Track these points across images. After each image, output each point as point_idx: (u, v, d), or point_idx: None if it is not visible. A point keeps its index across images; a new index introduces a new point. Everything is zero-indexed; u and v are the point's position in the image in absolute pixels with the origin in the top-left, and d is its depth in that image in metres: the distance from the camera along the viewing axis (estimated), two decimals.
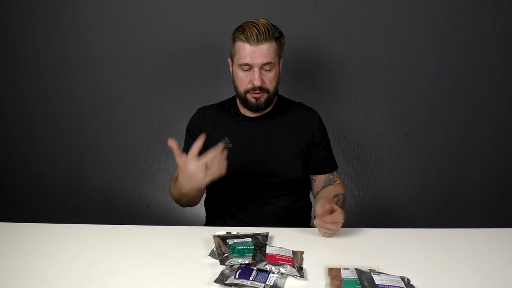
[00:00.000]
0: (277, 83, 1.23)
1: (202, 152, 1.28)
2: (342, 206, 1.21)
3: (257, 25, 1.14)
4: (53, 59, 1.76)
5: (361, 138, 1.80)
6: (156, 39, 1.72)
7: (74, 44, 1.74)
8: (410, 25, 1.66)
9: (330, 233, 1.03)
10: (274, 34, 1.16)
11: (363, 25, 1.67)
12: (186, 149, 1.32)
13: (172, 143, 1.00)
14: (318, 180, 1.29)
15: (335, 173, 1.31)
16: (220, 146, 1.01)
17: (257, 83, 1.16)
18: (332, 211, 1.02)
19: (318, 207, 1.02)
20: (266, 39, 1.14)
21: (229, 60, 1.27)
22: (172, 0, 1.68)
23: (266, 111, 1.26)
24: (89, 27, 1.72)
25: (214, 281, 0.82)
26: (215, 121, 1.28)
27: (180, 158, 1.02)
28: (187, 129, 1.32)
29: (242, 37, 1.14)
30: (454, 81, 1.72)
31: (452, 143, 1.79)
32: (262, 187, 1.24)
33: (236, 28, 1.19)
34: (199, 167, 0.99)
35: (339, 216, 1.01)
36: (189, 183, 1.04)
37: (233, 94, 1.28)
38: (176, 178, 1.21)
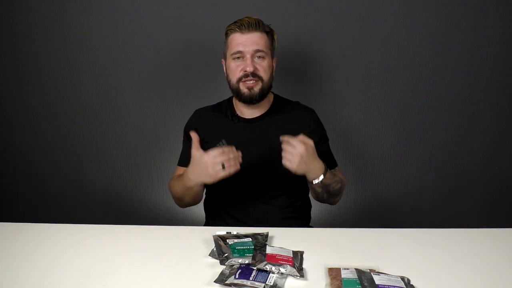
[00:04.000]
0: (271, 76, 1.24)
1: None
2: (336, 188, 1.19)
3: (249, 18, 1.20)
4: (53, 59, 1.76)
5: (361, 138, 1.80)
6: (157, 39, 1.72)
7: (74, 44, 1.74)
8: (410, 24, 1.66)
9: (290, 157, 1.07)
10: (265, 27, 1.21)
11: (363, 24, 1.67)
12: (184, 151, 1.33)
13: (194, 135, 1.10)
14: None
15: (337, 168, 1.32)
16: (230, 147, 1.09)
17: (250, 68, 1.17)
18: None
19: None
20: (257, 28, 1.19)
21: (222, 61, 1.28)
22: (172, 2, 1.68)
23: (263, 111, 1.26)
24: (89, 27, 1.72)
25: (214, 281, 0.82)
26: (212, 122, 1.28)
27: (197, 151, 1.08)
28: (184, 131, 1.32)
29: (234, 27, 1.19)
30: (454, 81, 1.72)
31: (452, 143, 1.79)
32: (260, 188, 1.23)
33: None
34: (216, 162, 1.06)
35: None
36: (199, 176, 1.10)
37: (231, 94, 1.28)
38: (179, 176, 1.22)
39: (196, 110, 1.34)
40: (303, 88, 1.74)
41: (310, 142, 1.09)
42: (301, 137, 1.08)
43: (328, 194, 1.20)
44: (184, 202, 1.26)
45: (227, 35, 1.23)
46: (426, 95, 1.74)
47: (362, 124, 1.79)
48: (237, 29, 1.18)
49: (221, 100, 1.37)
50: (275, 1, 1.66)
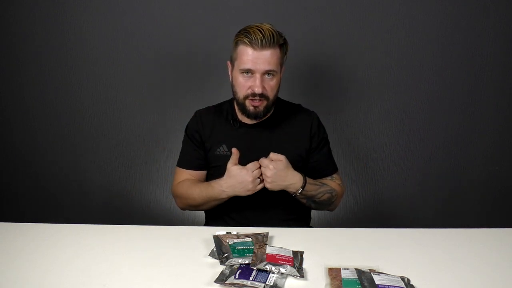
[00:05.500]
0: (277, 92, 1.21)
1: (200, 156, 1.28)
2: (324, 198, 1.21)
3: (262, 29, 1.11)
4: (53, 59, 1.76)
5: (361, 138, 1.80)
6: (157, 39, 1.72)
7: (74, 44, 1.74)
8: (410, 24, 1.66)
9: (264, 178, 1.10)
10: (279, 41, 1.14)
11: (363, 24, 1.67)
12: (184, 150, 1.32)
13: (235, 150, 1.13)
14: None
15: (335, 175, 1.30)
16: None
17: (258, 90, 1.13)
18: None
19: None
20: (270, 45, 1.11)
21: (228, 63, 1.24)
22: (172, 2, 1.68)
23: (264, 118, 1.25)
24: (89, 27, 1.72)
25: (214, 281, 0.82)
26: (213, 126, 1.27)
27: (234, 165, 1.10)
28: (185, 131, 1.31)
29: (246, 41, 1.11)
30: (454, 81, 1.72)
31: (452, 143, 1.79)
32: (261, 194, 1.22)
33: (239, 31, 1.16)
34: (255, 177, 1.09)
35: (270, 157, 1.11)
36: (236, 190, 1.11)
37: (231, 96, 1.27)
38: (195, 183, 1.23)
39: (197, 112, 1.32)
40: (303, 88, 1.74)
41: (280, 158, 1.11)
42: (272, 155, 1.11)
43: (315, 204, 1.22)
44: (200, 209, 1.27)
45: (237, 44, 1.15)
46: (426, 95, 1.74)
47: (362, 124, 1.79)
48: (248, 42, 1.11)
49: (221, 100, 1.36)
50: (275, 1, 1.66)
